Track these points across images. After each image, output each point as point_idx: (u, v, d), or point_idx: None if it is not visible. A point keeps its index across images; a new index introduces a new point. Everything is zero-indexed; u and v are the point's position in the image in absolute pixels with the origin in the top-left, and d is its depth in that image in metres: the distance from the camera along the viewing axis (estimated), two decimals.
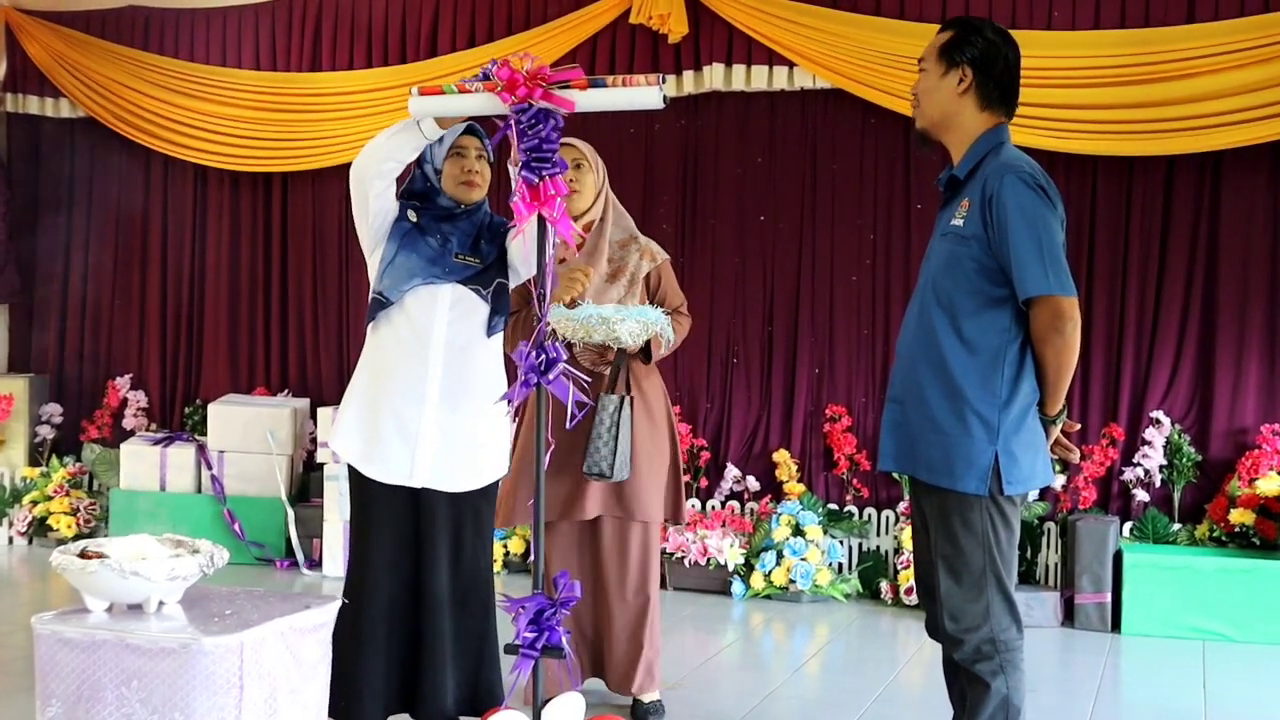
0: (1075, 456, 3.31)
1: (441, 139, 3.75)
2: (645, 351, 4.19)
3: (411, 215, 3.76)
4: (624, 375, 4.13)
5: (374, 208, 3.71)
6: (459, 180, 3.78)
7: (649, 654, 4.23)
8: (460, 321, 3.73)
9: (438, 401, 3.70)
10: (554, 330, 3.95)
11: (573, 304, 4.02)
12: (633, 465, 4.11)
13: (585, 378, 3.66)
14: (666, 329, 4.12)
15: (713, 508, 6.61)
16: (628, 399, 4.09)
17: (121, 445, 7.23)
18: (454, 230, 3.78)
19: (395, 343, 3.72)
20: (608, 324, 3.98)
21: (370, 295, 3.78)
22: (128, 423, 7.65)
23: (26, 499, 7.34)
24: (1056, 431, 3.19)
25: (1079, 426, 3.40)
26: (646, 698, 4.24)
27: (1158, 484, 6.07)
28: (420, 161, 3.79)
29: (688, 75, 6.62)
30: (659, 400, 4.30)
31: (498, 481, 3.89)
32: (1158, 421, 6.07)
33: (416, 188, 3.82)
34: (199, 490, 7.06)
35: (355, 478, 3.78)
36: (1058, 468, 6.06)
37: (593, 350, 4.15)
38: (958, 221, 3.13)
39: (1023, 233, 3.00)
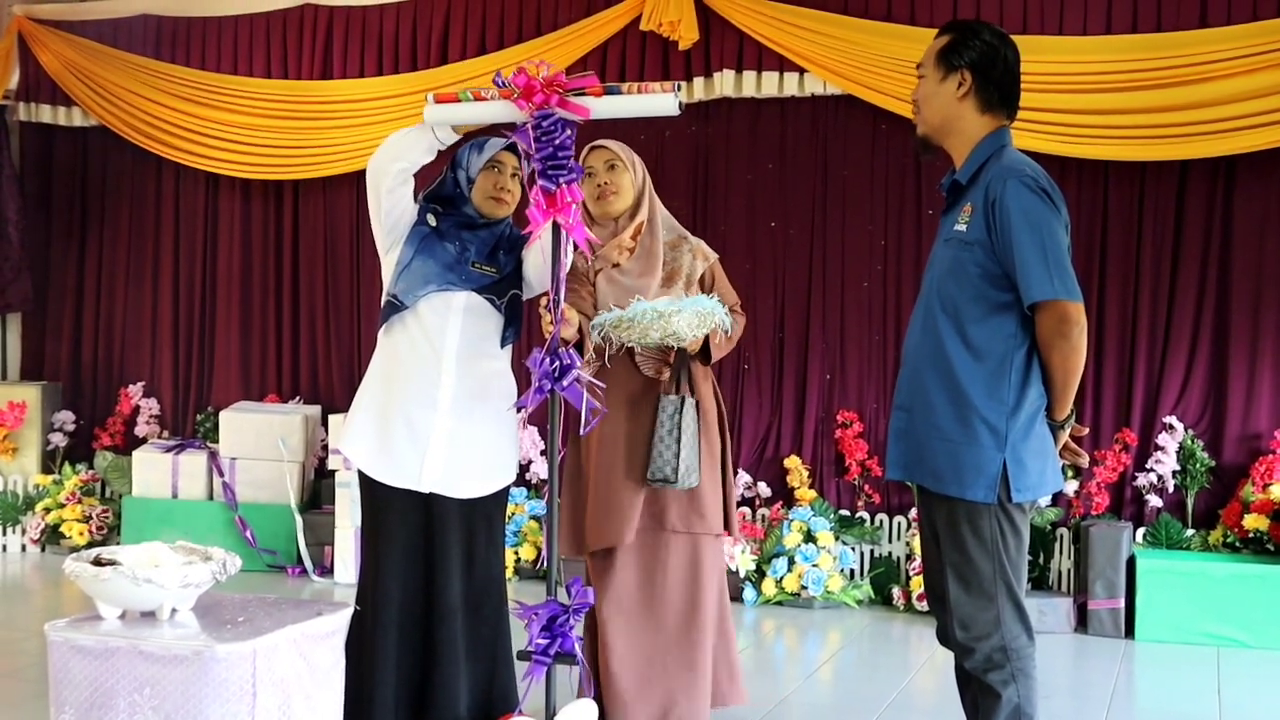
0: (1084, 461, 3.30)
1: (481, 149, 3.75)
2: (704, 352, 4.01)
3: (431, 220, 3.75)
4: (684, 377, 3.96)
5: (385, 205, 3.70)
6: (489, 194, 3.76)
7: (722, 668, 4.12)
8: (473, 329, 3.73)
9: (448, 407, 3.70)
10: (605, 337, 3.82)
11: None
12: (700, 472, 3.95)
13: (600, 384, 3.62)
14: (724, 318, 3.89)
15: None
16: (689, 400, 3.93)
17: (133, 452, 7.25)
18: (473, 239, 3.78)
19: (408, 347, 3.72)
20: (663, 318, 3.73)
21: (384, 298, 3.78)
22: (140, 430, 7.66)
23: (39, 506, 7.36)
24: (1065, 437, 3.18)
25: (1086, 431, 3.39)
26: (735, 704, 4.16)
27: (1171, 489, 6.04)
28: (454, 166, 3.79)
29: (698, 81, 6.62)
30: (714, 408, 4.14)
31: (508, 488, 3.89)
32: (1171, 427, 6.05)
33: (445, 192, 3.80)
34: (211, 497, 7.07)
35: (366, 483, 3.78)
36: (1069, 473, 6.05)
37: (654, 357, 3.98)
38: (961, 226, 3.11)
39: (1026, 237, 2.98)
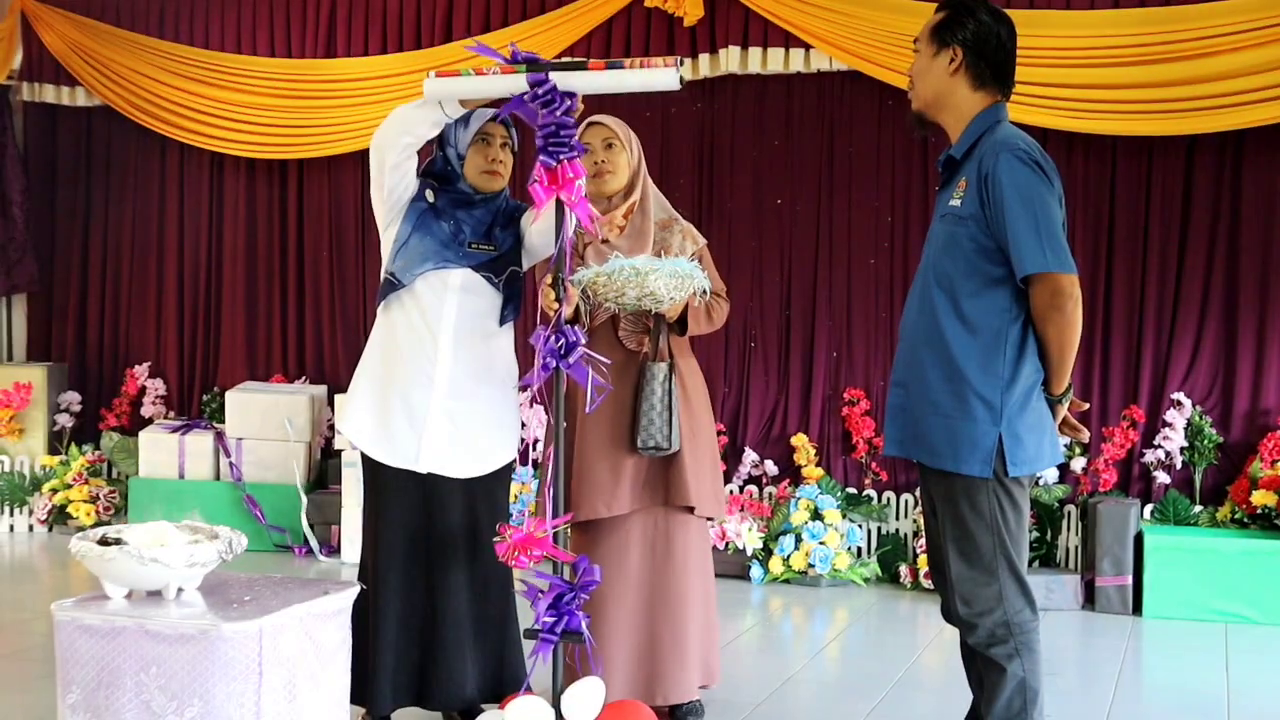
0: (1084, 436, 3.30)
1: (467, 123, 3.72)
2: (682, 324, 3.98)
3: (429, 195, 3.74)
4: (665, 343, 3.94)
5: (389, 181, 3.68)
6: (482, 169, 3.76)
7: (707, 648, 4.11)
8: (471, 307, 3.71)
9: (446, 386, 3.69)
10: (585, 294, 3.74)
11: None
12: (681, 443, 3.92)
13: (605, 361, 3.60)
14: (703, 282, 3.81)
15: (731, 492, 6.58)
16: (675, 366, 3.92)
17: (140, 433, 7.25)
18: (468, 217, 3.76)
19: (405, 326, 3.71)
20: (640, 276, 3.65)
21: (382, 275, 3.76)
22: (146, 410, 7.66)
23: (46, 487, 7.36)
24: (1064, 411, 3.18)
25: (1086, 406, 3.39)
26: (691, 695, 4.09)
27: (1179, 466, 6.03)
28: (443, 144, 3.77)
29: (703, 58, 6.58)
30: (698, 385, 4.11)
31: (511, 465, 3.87)
32: (1179, 403, 6.04)
33: (436, 169, 3.80)
34: (217, 477, 7.07)
35: (367, 463, 3.78)
36: (1076, 450, 6.04)
37: (636, 331, 3.97)
38: (955, 202, 3.13)
39: (1019, 211, 2.99)
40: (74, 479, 7.31)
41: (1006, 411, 3.05)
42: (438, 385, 3.69)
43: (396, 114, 3.63)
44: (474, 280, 3.71)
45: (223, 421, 7.18)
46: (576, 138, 3.43)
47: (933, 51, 3.21)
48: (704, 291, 3.86)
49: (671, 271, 3.71)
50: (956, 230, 3.10)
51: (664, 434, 3.85)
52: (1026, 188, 3.00)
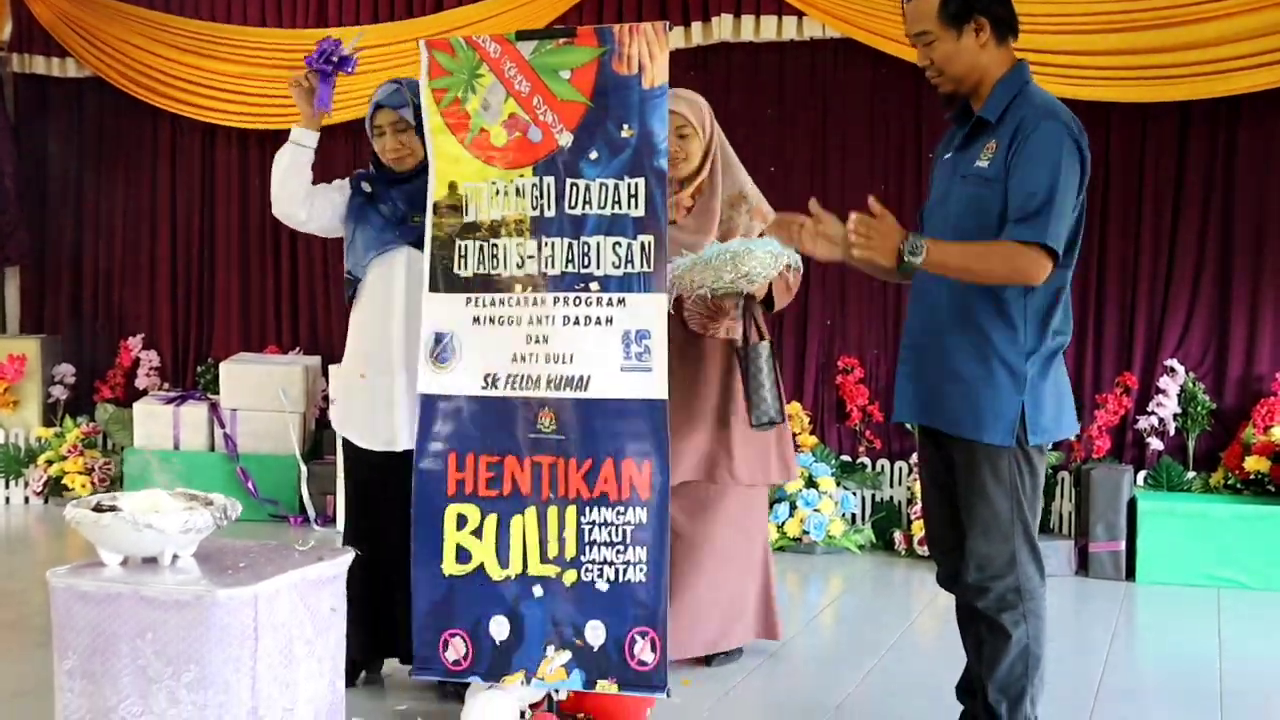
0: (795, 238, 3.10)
1: (371, 120, 3.91)
2: (767, 301, 4.06)
3: (365, 187, 3.93)
4: (760, 322, 4.04)
5: (318, 222, 3.99)
6: (388, 157, 3.92)
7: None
8: (418, 283, 3.72)
9: (403, 365, 3.81)
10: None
11: None
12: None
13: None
14: (795, 257, 3.83)
15: None
16: (772, 342, 4.03)
17: (134, 405, 7.25)
18: (401, 192, 3.90)
19: (365, 316, 3.92)
20: (736, 259, 3.71)
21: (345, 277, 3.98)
22: (140, 382, 7.65)
23: (41, 459, 7.36)
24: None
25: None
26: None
27: (1172, 432, 6.04)
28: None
29: (696, 26, 6.56)
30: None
31: None
32: (1172, 369, 6.04)
33: (372, 162, 4.01)
34: (212, 449, 7.07)
35: (347, 446, 4.00)
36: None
37: (701, 313, 4.03)
38: (982, 163, 3.03)
39: (1044, 173, 2.91)
40: (69, 451, 7.31)
41: (1030, 379, 3.02)
42: (395, 365, 3.84)
43: (274, 186, 3.92)
44: (417, 256, 3.78)
45: (217, 393, 7.18)
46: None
47: (954, 35, 3.05)
48: (794, 266, 3.91)
49: (766, 251, 3.76)
50: (983, 193, 3.01)
51: (776, 408, 3.96)
52: (1061, 159, 2.92)
